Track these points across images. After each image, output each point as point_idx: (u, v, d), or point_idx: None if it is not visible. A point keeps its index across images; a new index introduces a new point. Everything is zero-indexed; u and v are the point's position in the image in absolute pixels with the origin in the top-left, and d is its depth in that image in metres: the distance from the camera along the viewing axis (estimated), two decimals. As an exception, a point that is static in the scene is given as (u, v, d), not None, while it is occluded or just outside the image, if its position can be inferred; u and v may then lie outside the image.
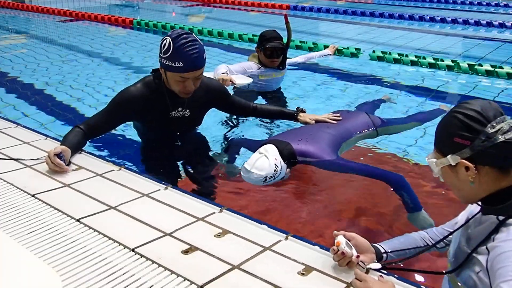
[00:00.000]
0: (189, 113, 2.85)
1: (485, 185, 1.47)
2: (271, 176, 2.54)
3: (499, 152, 1.41)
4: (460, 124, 1.46)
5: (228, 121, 3.76)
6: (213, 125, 3.53)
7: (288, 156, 2.64)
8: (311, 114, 3.17)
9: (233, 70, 4.08)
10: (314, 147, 2.71)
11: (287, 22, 4.36)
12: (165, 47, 2.56)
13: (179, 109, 2.81)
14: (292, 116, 3.17)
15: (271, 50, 4.14)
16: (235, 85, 4.01)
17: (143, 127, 2.94)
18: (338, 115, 3.13)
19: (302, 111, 3.17)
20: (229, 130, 3.67)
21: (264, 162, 2.54)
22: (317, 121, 3.09)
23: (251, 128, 3.68)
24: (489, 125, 1.42)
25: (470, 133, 1.44)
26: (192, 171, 3.04)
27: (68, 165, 2.50)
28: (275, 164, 2.54)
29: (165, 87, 2.72)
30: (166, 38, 2.59)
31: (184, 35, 2.57)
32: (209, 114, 3.10)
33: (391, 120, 3.52)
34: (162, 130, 2.86)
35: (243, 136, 3.53)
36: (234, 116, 3.75)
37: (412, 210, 2.44)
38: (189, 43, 2.54)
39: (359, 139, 3.13)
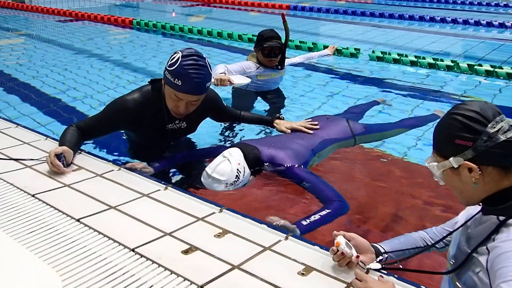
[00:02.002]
0: (185, 124, 2.83)
1: (488, 185, 1.46)
2: (231, 183, 2.45)
3: (502, 151, 1.41)
4: (460, 125, 1.45)
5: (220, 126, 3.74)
6: (204, 130, 3.53)
7: (254, 161, 2.56)
8: (287, 122, 3.15)
9: (232, 70, 4.08)
10: (281, 154, 2.63)
11: (284, 22, 4.36)
12: (173, 61, 2.52)
13: (176, 121, 2.78)
14: (270, 123, 3.19)
15: (269, 49, 4.14)
16: (233, 85, 4.02)
17: (135, 135, 2.91)
18: (316, 123, 3.07)
19: (279, 118, 3.18)
20: (221, 133, 3.66)
21: (226, 166, 2.44)
22: (293, 129, 3.05)
23: (242, 132, 3.69)
24: (489, 125, 1.42)
25: (471, 134, 1.43)
26: (183, 175, 3.02)
27: (69, 165, 2.50)
28: (237, 170, 2.44)
29: (164, 100, 2.67)
30: (178, 53, 2.54)
31: (195, 57, 2.51)
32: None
33: (374, 127, 3.46)
34: (156, 140, 2.84)
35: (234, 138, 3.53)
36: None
37: (301, 228, 2.12)
38: (196, 66, 2.49)
39: (334, 149, 3.06)
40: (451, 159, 1.47)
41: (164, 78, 2.58)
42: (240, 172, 2.46)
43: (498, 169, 1.44)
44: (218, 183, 2.45)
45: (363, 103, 4.34)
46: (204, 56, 2.58)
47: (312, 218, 2.16)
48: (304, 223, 2.14)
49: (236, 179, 2.45)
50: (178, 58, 2.51)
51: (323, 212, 2.23)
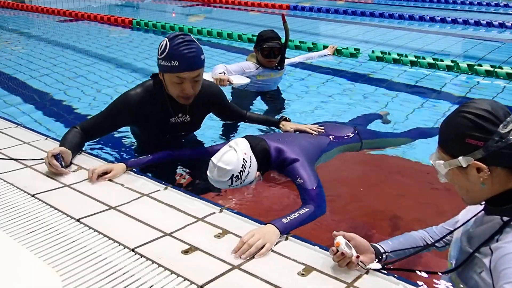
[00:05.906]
0: (189, 118, 2.83)
1: (495, 185, 1.45)
2: (238, 176, 2.37)
3: None
4: (472, 124, 1.42)
5: (225, 124, 3.74)
6: (210, 128, 3.53)
7: (261, 152, 2.51)
8: (293, 123, 3.16)
9: (231, 70, 4.09)
10: (289, 148, 2.59)
11: (284, 22, 4.37)
12: (162, 48, 2.56)
13: (179, 115, 2.79)
14: (276, 124, 3.19)
15: (269, 50, 4.15)
16: (232, 85, 4.02)
17: (139, 130, 2.92)
18: (322, 128, 3.07)
19: (286, 119, 3.18)
20: (225, 133, 3.65)
21: (232, 155, 2.36)
22: (298, 131, 3.05)
23: (248, 131, 3.68)
24: (501, 125, 1.40)
25: (483, 134, 1.41)
26: (189, 174, 3.01)
27: (68, 166, 2.49)
28: (243, 159, 2.38)
29: (165, 93, 2.68)
30: (164, 40, 2.58)
31: (181, 36, 2.56)
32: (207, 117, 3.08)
33: (380, 134, 3.47)
34: (160, 135, 2.84)
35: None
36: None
37: (282, 228, 1.95)
38: (186, 43, 2.53)
39: (340, 151, 3.05)
40: (460, 158, 1.45)
41: (160, 67, 2.60)
42: (246, 162, 2.40)
43: (506, 169, 1.43)
44: (224, 175, 2.37)
45: (367, 114, 4.29)
46: (187, 34, 2.62)
47: (297, 221, 2.05)
48: (287, 226, 2.00)
49: (242, 169, 2.38)
50: (166, 43, 2.55)
51: (303, 218, 2.10)
